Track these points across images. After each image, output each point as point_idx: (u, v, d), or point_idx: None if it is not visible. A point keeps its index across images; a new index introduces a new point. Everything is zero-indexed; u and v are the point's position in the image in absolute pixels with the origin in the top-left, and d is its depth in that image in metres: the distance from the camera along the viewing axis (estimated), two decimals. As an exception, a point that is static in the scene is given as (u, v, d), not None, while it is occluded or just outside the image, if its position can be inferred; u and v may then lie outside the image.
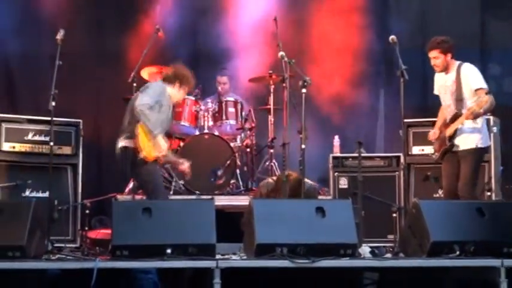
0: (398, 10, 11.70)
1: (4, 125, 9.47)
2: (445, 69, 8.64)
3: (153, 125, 8.12)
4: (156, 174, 8.41)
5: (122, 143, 8.32)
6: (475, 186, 8.51)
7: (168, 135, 10.46)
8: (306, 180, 8.93)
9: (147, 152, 8.21)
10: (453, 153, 8.54)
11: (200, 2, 11.68)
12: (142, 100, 8.14)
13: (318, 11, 11.43)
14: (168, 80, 8.51)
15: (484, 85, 8.47)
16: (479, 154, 8.55)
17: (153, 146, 8.19)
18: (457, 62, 8.63)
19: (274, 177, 9.36)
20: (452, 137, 8.50)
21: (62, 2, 11.31)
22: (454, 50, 8.65)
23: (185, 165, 8.63)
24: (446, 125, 8.59)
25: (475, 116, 8.32)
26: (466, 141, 8.47)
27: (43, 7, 11.19)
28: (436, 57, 8.62)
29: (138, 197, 9.42)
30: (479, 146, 8.50)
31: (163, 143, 8.24)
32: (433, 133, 8.75)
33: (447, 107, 8.66)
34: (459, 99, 8.50)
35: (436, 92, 8.83)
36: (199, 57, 11.46)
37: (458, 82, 8.53)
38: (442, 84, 8.70)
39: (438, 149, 8.68)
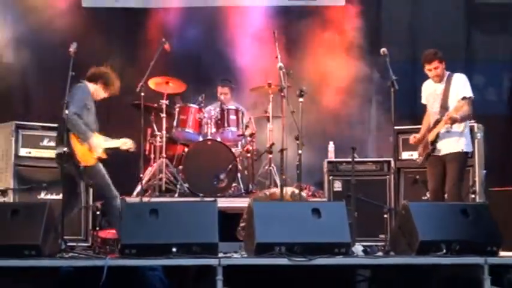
0: (390, 24, 11.70)
1: (21, 132, 9.50)
2: (441, 78, 8.64)
3: (83, 131, 8.20)
4: (100, 174, 8.36)
5: (58, 149, 8.36)
6: (462, 188, 8.51)
7: (174, 141, 10.52)
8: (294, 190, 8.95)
9: (85, 159, 8.25)
10: (437, 157, 8.56)
11: (205, 17, 11.68)
12: (70, 111, 8.12)
13: (314, 26, 11.45)
14: (92, 78, 8.54)
15: (470, 94, 8.49)
16: (464, 158, 8.57)
17: (90, 149, 8.22)
18: (447, 72, 8.65)
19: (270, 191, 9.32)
20: (434, 141, 8.53)
21: (75, 16, 11.34)
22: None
23: (128, 143, 8.60)
24: (429, 130, 8.61)
25: (453, 121, 8.34)
26: (452, 146, 8.49)
27: (57, 21, 11.20)
28: (436, 67, 8.62)
29: (145, 199, 9.43)
30: (464, 150, 8.53)
31: (97, 141, 8.29)
32: (414, 136, 8.78)
33: (434, 114, 8.67)
34: (444, 107, 8.53)
35: (423, 101, 8.84)
36: (203, 68, 11.46)
37: (447, 91, 8.55)
38: (432, 93, 8.71)
39: (422, 152, 8.72)
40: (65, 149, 8.19)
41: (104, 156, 8.39)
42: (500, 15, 11.79)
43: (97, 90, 8.58)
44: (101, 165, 8.37)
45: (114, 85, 8.66)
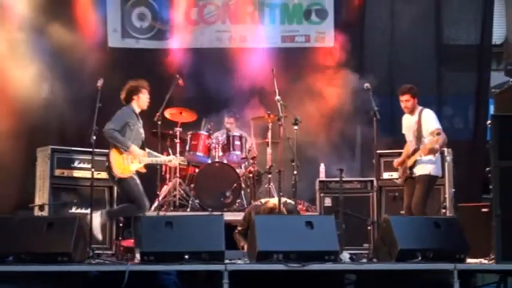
0: (372, 63, 11.70)
1: (56, 155, 9.48)
2: (412, 110, 8.65)
3: (122, 141, 8.17)
4: (134, 187, 8.26)
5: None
6: (425, 205, 8.48)
7: (186, 163, 10.49)
8: (286, 200, 8.91)
9: (121, 171, 8.20)
10: (412, 179, 8.59)
11: (213, 56, 11.70)
12: (107, 127, 8.20)
13: (307, 64, 11.47)
14: (127, 99, 8.47)
15: (439, 126, 8.50)
16: (431, 180, 8.57)
17: (131, 160, 8.18)
18: (420, 107, 8.67)
19: (263, 201, 9.23)
20: (412, 167, 8.52)
21: (102, 55, 11.36)
22: (419, 96, 8.69)
23: (173, 161, 8.66)
24: (408, 156, 8.61)
25: (433, 152, 8.35)
26: (422, 169, 8.51)
27: (86, 59, 11.21)
28: (407, 100, 8.65)
29: (161, 213, 9.39)
30: (432, 174, 8.55)
31: (138, 151, 8.24)
32: (396, 161, 8.79)
33: (410, 143, 8.70)
34: (418, 138, 8.55)
35: (403, 131, 8.86)
36: (212, 101, 11.44)
37: (419, 124, 8.57)
38: (408, 125, 8.74)
39: (401, 175, 8.72)
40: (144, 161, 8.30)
41: (143, 170, 8.34)
42: (465, 55, 11.80)
43: (138, 103, 8.51)
44: (135, 179, 8.27)
45: (142, 90, 8.55)
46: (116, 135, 8.18)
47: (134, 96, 8.50)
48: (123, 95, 8.55)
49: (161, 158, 8.61)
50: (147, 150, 8.60)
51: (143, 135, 8.56)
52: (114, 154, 8.25)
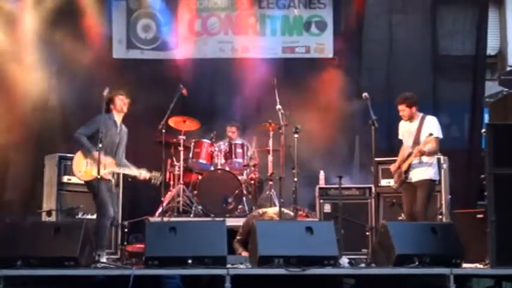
0: (370, 72, 11.72)
1: (63, 162, 9.51)
2: (410, 118, 8.66)
3: (86, 146, 8.11)
4: (99, 192, 8.09)
5: None
6: (427, 210, 8.48)
7: (189, 170, 10.50)
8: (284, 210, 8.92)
9: (80, 174, 8.19)
10: (410, 184, 8.54)
11: (216, 66, 11.72)
12: (77, 132, 8.22)
13: (307, 74, 11.48)
14: (107, 109, 8.38)
15: (439, 134, 8.49)
16: (431, 185, 8.55)
17: (91, 164, 8.07)
18: (421, 114, 8.66)
19: (261, 211, 9.21)
20: (406, 171, 8.51)
21: (107, 65, 11.39)
22: (417, 103, 8.67)
23: (143, 174, 8.39)
24: (403, 161, 8.60)
25: (421, 154, 8.34)
26: (422, 174, 8.48)
27: (93, 69, 11.24)
28: (403, 109, 8.66)
29: (165, 218, 9.40)
30: (432, 178, 8.52)
31: (103, 159, 8.04)
32: (393, 165, 8.77)
33: (407, 148, 8.67)
34: (416, 142, 8.52)
35: (400, 136, 8.85)
36: (214, 109, 11.45)
37: (420, 130, 8.55)
38: (406, 130, 8.72)
39: (397, 180, 8.70)
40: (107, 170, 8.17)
41: (107, 177, 8.16)
42: (460, 65, 11.83)
43: (116, 108, 8.46)
44: (99, 185, 8.04)
45: (116, 96, 8.47)
46: (81, 138, 8.16)
47: (111, 105, 8.46)
48: (105, 105, 8.42)
49: (132, 171, 8.45)
50: (125, 161, 8.54)
51: (117, 143, 8.41)
52: (78, 157, 8.24)
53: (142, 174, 8.40)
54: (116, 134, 8.40)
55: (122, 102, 8.49)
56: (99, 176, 7.96)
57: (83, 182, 9.00)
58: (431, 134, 8.33)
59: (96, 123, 8.22)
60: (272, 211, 8.92)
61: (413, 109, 8.65)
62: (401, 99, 8.68)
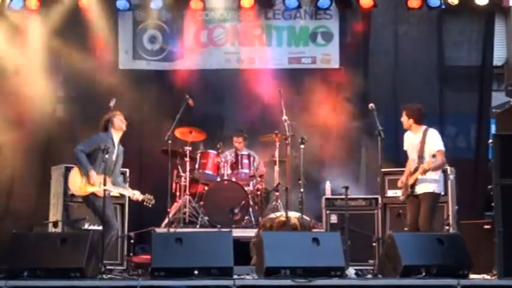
0: (376, 83, 11.71)
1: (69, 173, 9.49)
2: (409, 128, 8.67)
3: (84, 164, 8.16)
4: (98, 207, 8.18)
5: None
6: (432, 222, 8.47)
7: (196, 181, 10.50)
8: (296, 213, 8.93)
9: (75, 189, 8.24)
10: (415, 197, 8.54)
11: (222, 77, 11.73)
12: (76, 148, 8.25)
13: (313, 84, 11.47)
14: (106, 128, 8.47)
15: (441, 147, 8.49)
16: (435, 198, 8.54)
17: (87, 182, 8.13)
18: (424, 127, 8.66)
19: (278, 218, 9.24)
20: (413, 185, 8.51)
21: (114, 76, 11.41)
22: (419, 117, 8.66)
23: (136, 195, 8.45)
24: (410, 174, 8.60)
25: (425, 172, 8.34)
26: (426, 187, 8.48)
27: (99, 80, 11.26)
28: (402, 117, 8.69)
29: (172, 229, 9.39)
30: (436, 191, 8.52)
31: (97, 177, 8.15)
32: (400, 181, 8.78)
33: (412, 161, 8.68)
34: (421, 156, 8.53)
35: (405, 148, 8.85)
36: (220, 119, 11.47)
37: (423, 143, 8.55)
38: (410, 143, 8.73)
39: (404, 193, 8.70)
40: (105, 187, 8.20)
41: (100, 194, 8.17)
42: (467, 76, 11.82)
43: (114, 127, 8.51)
44: (96, 199, 8.18)
45: (114, 115, 8.54)
46: (80, 156, 8.23)
47: (109, 124, 8.52)
48: (99, 128, 8.52)
49: (126, 191, 8.54)
50: (120, 180, 8.61)
51: (114, 162, 8.46)
52: (74, 172, 8.31)
53: (136, 195, 8.48)
54: (113, 153, 8.46)
55: (120, 122, 8.58)
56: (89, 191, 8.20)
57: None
58: (434, 156, 8.32)
59: (96, 141, 8.32)
60: (293, 215, 8.93)
61: (411, 121, 8.65)
62: (402, 108, 8.76)
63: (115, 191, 8.48)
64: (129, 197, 8.95)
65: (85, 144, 8.32)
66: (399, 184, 8.80)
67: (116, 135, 8.54)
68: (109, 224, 8.24)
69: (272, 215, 9.32)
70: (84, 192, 8.22)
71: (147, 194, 8.51)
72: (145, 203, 8.51)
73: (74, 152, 8.26)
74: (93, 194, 8.20)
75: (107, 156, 8.10)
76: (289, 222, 8.74)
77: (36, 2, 11.21)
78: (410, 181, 8.54)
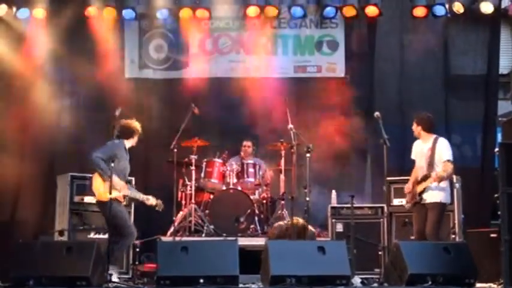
0: (381, 92, 11.72)
1: (75, 182, 9.55)
2: (418, 136, 8.68)
3: (104, 170, 8.16)
4: (118, 213, 8.25)
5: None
6: (439, 231, 8.46)
7: (201, 189, 10.51)
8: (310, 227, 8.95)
9: (99, 194, 8.22)
10: (422, 205, 8.54)
11: (227, 85, 11.73)
12: (94, 155, 8.23)
13: (318, 93, 11.49)
14: (128, 136, 8.54)
15: (451, 158, 8.50)
16: (442, 207, 8.53)
17: (108, 188, 8.14)
18: (434, 136, 8.67)
19: (285, 221, 9.32)
20: (421, 193, 8.50)
21: (119, 85, 11.46)
22: (428, 125, 8.67)
23: (150, 200, 8.53)
24: (417, 182, 8.59)
25: (440, 180, 8.34)
26: (433, 197, 8.47)
27: (104, 89, 11.31)
28: (413, 126, 8.69)
29: (177, 238, 9.40)
30: (443, 201, 8.52)
31: (118, 182, 8.21)
32: (407, 187, 8.75)
33: (420, 168, 8.67)
34: (431, 164, 8.52)
35: (413, 156, 8.85)
36: (226, 129, 11.46)
37: (433, 151, 8.55)
38: (419, 151, 8.73)
39: (410, 200, 8.69)
40: (125, 192, 8.29)
41: (121, 200, 8.27)
42: (473, 85, 11.80)
43: (130, 142, 8.60)
44: (117, 205, 8.24)
45: (137, 133, 8.63)
46: (99, 162, 8.23)
47: (130, 138, 8.58)
48: (119, 132, 8.57)
49: (140, 195, 8.58)
50: (129, 186, 8.63)
51: (128, 169, 8.54)
52: (95, 178, 8.32)
53: (150, 200, 8.54)
54: (127, 160, 8.52)
55: (137, 140, 8.66)
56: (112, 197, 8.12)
57: (94, 202, 9.07)
58: (448, 161, 8.33)
59: (112, 149, 8.36)
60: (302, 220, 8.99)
61: (419, 128, 8.67)
62: (415, 115, 8.74)
63: (132, 196, 8.52)
64: (135, 204, 8.95)
65: (102, 151, 8.33)
66: (406, 190, 8.78)
67: (128, 144, 8.58)
68: (130, 229, 8.30)
69: (281, 223, 9.34)
70: (107, 197, 8.20)
71: (158, 199, 8.56)
72: (157, 208, 8.58)
73: (92, 159, 8.25)
74: (115, 200, 8.22)
75: (112, 164, 8.12)
76: (298, 223, 8.77)
77: (43, 11, 11.25)
78: (419, 189, 8.52)
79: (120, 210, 8.26)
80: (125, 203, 8.44)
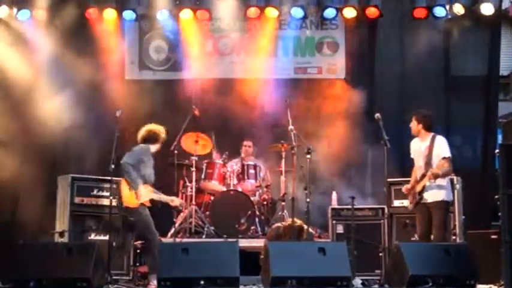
0: (381, 94, 11.72)
1: (76, 183, 9.52)
2: (417, 134, 8.67)
3: (133, 180, 8.22)
4: (144, 217, 8.34)
5: None
6: (445, 231, 8.46)
7: (202, 191, 10.51)
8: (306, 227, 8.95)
9: (128, 201, 8.27)
10: (424, 205, 8.51)
11: (228, 86, 11.75)
12: (125, 161, 8.29)
13: (319, 94, 11.51)
14: (152, 141, 8.61)
15: (449, 154, 8.49)
16: (446, 205, 8.52)
17: (136, 195, 8.22)
18: (432, 133, 8.66)
19: (284, 223, 9.32)
20: (421, 192, 8.49)
21: (120, 86, 11.48)
22: (428, 124, 8.67)
23: (175, 201, 8.67)
24: (417, 182, 8.58)
25: (435, 177, 8.33)
26: (435, 196, 8.45)
27: (105, 91, 11.35)
28: (412, 121, 8.69)
29: (178, 239, 9.40)
30: (445, 199, 8.49)
31: (144, 191, 8.30)
32: (405, 187, 8.75)
33: (418, 168, 8.66)
34: (428, 163, 8.51)
35: (412, 155, 8.84)
36: (226, 130, 11.47)
37: (431, 149, 8.54)
38: (417, 150, 8.72)
39: (411, 201, 8.67)
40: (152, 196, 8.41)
41: (148, 204, 8.38)
42: (473, 86, 11.81)
43: (155, 147, 8.67)
44: (143, 210, 8.34)
45: (162, 140, 8.72)
46: (130, 170, 8.28)
47: (155, 143, 8.64)
48: (145, 136, 8.62)
49: (165, 197, 8.65)
50: (154, 189, 8.67)
51: (153, 175, 8.61)
52: (123, 185, 8.37)
53: (175, 201, 8.69)
54: (152, 166, 8.61)
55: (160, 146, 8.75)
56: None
57: (95, 203, 9.09)
58: (444, 158, 8.33)
59: (140, 154, 8.44)
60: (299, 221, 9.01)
61: (420, 126, 8.65)
62: (414, 112, 8.74)
63: (157, 199, 8.61)
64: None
65: (131, 157, 8.38)
66: (404, 190, 8.78)
67: (153, 149, 8.64)
68: (154, 230, 8.39)
69: (278, 224, 9.35)
70: (136, 203, 8.27)
71: (181, 199, 8.87)
72: (179, 207, 8.91)
73: (124, 166, 8.30)
74: (142, 205, 8.31)
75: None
76: (295, 224, 8.78)
77: (43, 12, 11.26)
78: (418, 188, 8.52)
79: (146, 214, 8.34)
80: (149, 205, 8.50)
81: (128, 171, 8.26)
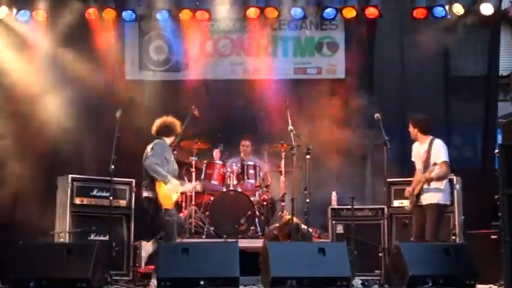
0: (381, 94, 11.70)
1: (75, 184, 9.50)
2: (415, 138, 8.68)
3: (164, 175, 8.23)
4: (173, 216, 8.41)
5: (144, 193, 8.45)
6: (438, 233, 8.46)
7: (201, 191, 10.50)
8: (304, 226, 8.92)
9: (165, 203, 8.26)
10: (420, 207, 8.55)
11: (228, 87, 11.76)
12: (151, 162, 8.28)
13: (318, 94, 11.49)
14: (168, 134, 8.60)
15: (446, 158, 8.49)
16: (440, 209, 8.54)
17: (171, 189, 8.24)
18: (430, 137, 8.66)
19: (280, 223, 9.32)
20: (418, 195, 8.50)
21: (120, 86, 11.50)
22: (424, 127, 8.67)
23: (197, 187, 9.13)
24: (417, 184, 8.59)
25: (428, 181, 8.35)
26: (431, 198, 8.50)
27: (105, 91, 11.36)
28: (409, 127, 8.70)
29: (178, 240, 9.39)
30: (440, 202, 8.53)
31: (176, 183, 8.37)
32: (407, 190, 8.76)
33: (419, 171, 8.69)
34: (426, 166, 8.54)
35: (412, 158, 8.86)
36: (226, 131, 11.46)
37: (429, 153, 8.57)
38: (417, 153, 8.74)
39: (410, 202, 8.68)
40: (145, 194, 8.41)
41: (180, 199, 8.49)
42: (473, 86, 11.81)
43: (170, 140, 8.66)
44: (175, 211, 8.51)
45: (177, 133, 8.74)
46: (157, 168, 8.27)
47: (171, 135, 8.63)
48: (161, 128, 8.61)
49: (189, 185, 8.91)
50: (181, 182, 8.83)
51: (176, 167, 8.67)
52: (160, 186, 8.34)
53: (197, 187, 9.24)
54: (173, 158, 8.66)
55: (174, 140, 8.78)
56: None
57: (95, 204, 9.08)
58: (435, 164, 8.33)
59: (164, 151, 8.44)
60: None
61: (416, 131, 8.67)
62: (410, 117, 8.76)
63: (185, 190, 8.95)
64: (134, 206, 9.16)
65: (155, 156, 8.36)
66: (406, 194, 8.80)
67: (168, 141, 8.64)
68: (176, 237, 8.51)
69: (276, 224, 9.35)
70: (172, 203, 8.36)
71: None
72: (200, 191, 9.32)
73: (150, 167, 8.30)
74: (173, 206, 8.43)
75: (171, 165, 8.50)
76: (292, 222, 8.78)
77: (43, 13, 11.25)
78: (416, 191, 8.55)
79: (177, 215, 8.56)
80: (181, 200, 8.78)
81: (155, 170, 8.25)
